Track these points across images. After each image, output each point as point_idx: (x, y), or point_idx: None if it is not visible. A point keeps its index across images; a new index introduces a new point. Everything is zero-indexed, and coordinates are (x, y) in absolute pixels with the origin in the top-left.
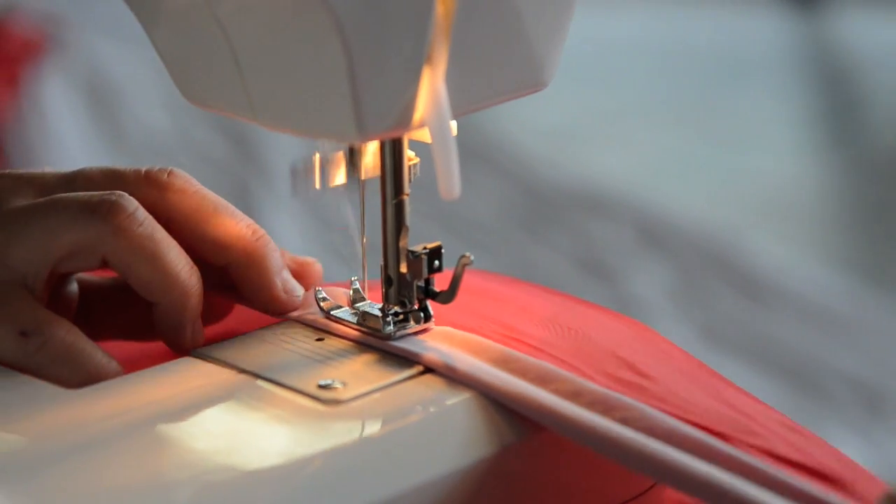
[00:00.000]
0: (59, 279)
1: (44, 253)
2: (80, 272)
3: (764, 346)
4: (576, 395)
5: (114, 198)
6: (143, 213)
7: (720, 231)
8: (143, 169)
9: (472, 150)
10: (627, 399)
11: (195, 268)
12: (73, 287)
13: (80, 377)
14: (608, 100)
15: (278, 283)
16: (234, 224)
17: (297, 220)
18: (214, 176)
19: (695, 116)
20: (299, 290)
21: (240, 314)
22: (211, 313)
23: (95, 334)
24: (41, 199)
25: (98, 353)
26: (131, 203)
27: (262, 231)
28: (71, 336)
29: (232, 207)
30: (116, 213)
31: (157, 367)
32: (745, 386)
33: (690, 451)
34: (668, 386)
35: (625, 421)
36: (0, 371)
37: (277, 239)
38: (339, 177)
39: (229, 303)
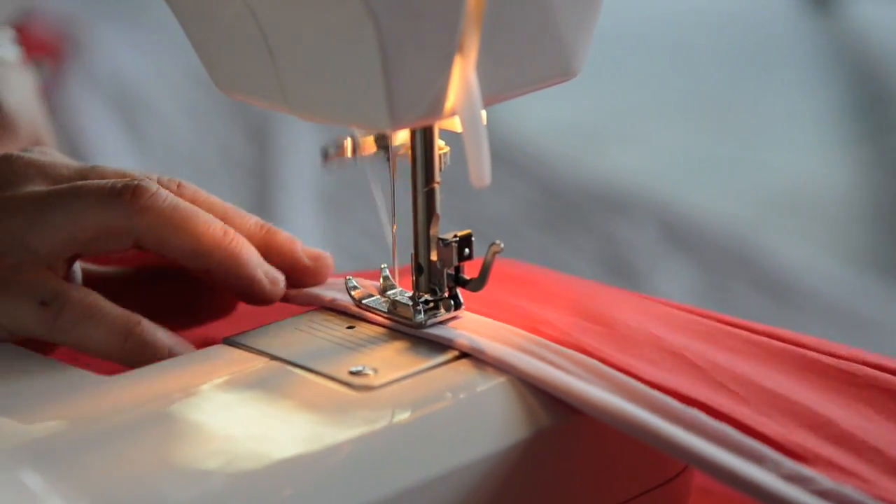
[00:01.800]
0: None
1: (68, 237)
2: (110, 254)
3: None
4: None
5: (135, 182)
6: (164, 192)
7: (743, 230)
8: (156, 176)
9: (492, 149)
10: (651, 391)
11: (230, 227)
12: (78, 276)
13: (104, 332)
14: (628, 97)
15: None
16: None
17: (319, 223)
18: (240, 179)
19: (716, 113)
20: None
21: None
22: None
23: None
24: (62, 185)
25: (117, 309)
26: (152, 184)
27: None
28: (90, 297)
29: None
30: (140, 194)
31: (190, 354)
32: None
33: (716, 439)
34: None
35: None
36: (37, 358)
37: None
38: (369, 147)
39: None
